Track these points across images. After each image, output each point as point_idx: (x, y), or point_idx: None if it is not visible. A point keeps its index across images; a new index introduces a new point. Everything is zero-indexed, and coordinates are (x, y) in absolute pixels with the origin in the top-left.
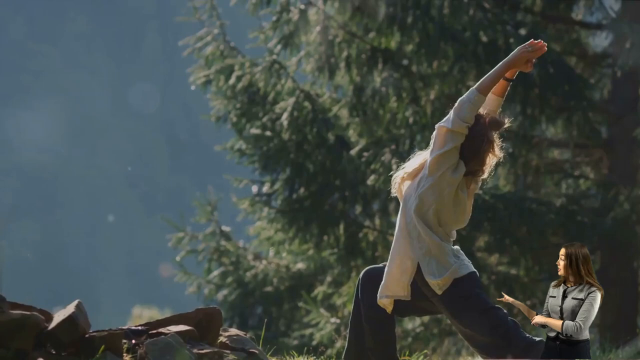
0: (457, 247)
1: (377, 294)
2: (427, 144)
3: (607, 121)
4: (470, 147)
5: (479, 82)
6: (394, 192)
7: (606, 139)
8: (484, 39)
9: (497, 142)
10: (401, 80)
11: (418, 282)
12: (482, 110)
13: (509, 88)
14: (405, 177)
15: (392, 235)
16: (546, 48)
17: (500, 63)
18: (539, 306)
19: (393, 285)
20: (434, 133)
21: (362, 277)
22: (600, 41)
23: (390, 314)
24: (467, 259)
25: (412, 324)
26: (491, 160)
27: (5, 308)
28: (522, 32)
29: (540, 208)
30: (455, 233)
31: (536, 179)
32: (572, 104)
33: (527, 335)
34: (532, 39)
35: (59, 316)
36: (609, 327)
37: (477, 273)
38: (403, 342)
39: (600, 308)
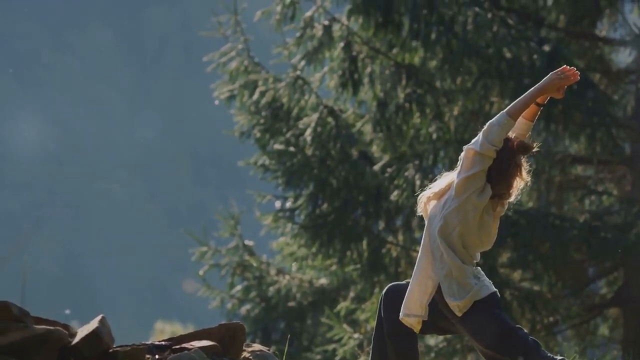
0: (478, 268)
1: (399, 310)
2: (450, 160)
3: (630, 137)
4: (498, 171)
5: (510, 106)
6: (420, 211)
7: (629, 155)
8: (508, 55)
9: (525, 166)
10: (425, 96)
11: (439, 303)
12: (511, 134)
13: (539, 113)
14: (431, 196)
15: (415, 251)
16: (579, 77)
17: (532, 88)
18: (560, 322)
19: (412, 305)
20: (462, 155)
21: (385, 293)
22: (623, 57)
23: (413, 330)
24: (487, 279)
25: (434, 339)
26: (518, 184)
27: (29, 323)
28: (546, 48)
29: (563, 224)
30: (479, 255)
31: (559, 195)
32: (596, 120)
33: (549, 354)
34: (565, 66)
35: (82, 331)
36: (632, 342)
37: (498, 293)
38: (426, 358)
39: (623, 324)
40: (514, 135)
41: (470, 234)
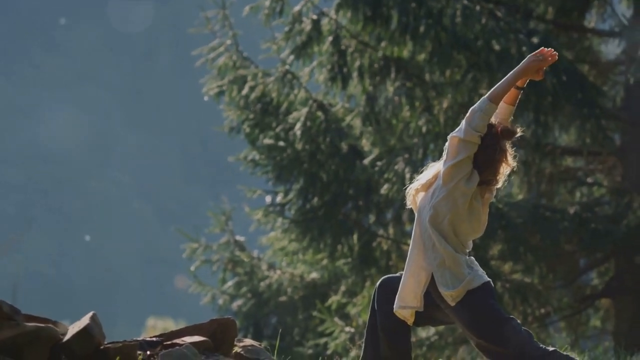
0: (471, 257)
1: (392, 303)
2: (440, 153)
3: (620, 128)
4: (484, 157)
5: (490, 91)
6: (409, 204)
7: (619, 146)
8: (497, 47)
9: (510, 151)
10: (414, 89)
11: (432, 293)
12: (493, 120)
13: (520, 96)
14: (419, 188)
15: (406, 244)
16: (557, 57)
17: (511, 72)
18: (552, 314)
19: (407, 296)
20: (447, 144)
21: (379, 286)
22: (612, 48)
23: (406, 323)
24: (480, 269)
25: (426, 332)
26: (505, 170)
27: (20, 320)
28: (535, 40)
29: (554, 216)
30: (471, 244)
31: (550, 187)
32: (585, 111)
33: (541, 345)
34: (542, 47)
35: (73, 328)
36: (624, 334)
37: (491, 283)
38: (418, 351)
39: (614, 315)
40: (496, 121)
41: (460, 221)
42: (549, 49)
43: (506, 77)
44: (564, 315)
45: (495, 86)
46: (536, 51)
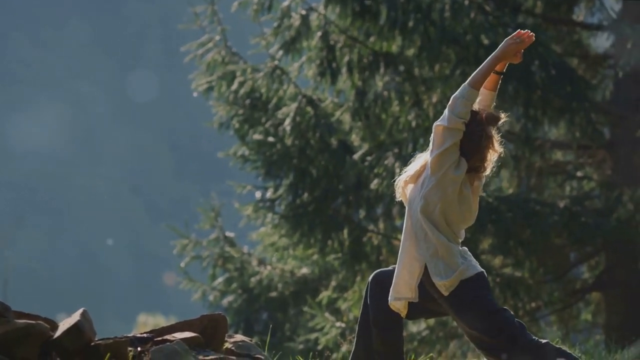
0: (464, 248)
1: (385, 297)
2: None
3: (609, 122)
4: (470, 144)
5: (470, 77)
6: (399, 196)
7: (609, 139)
8: (486, 41)
9: (496, 137)
10: (403, 84)
11: (425, 284)
12: (476, 106)
13: (500, 81)
14: (408, 180)
15: (396, 239)
16: (534, 38)
17: (490, 57)
18: (542, 308)
19: (401, 288)
20: (432, 133)
21: (371, 280)
22: (601, 42)
23: (398, 317)
24: (474, 259)
25: (417, 327)
26: (492, 156)
27: (10, 317)
28: None
29: (544, 210)
30: (463, 233)
31: (539, 181)
32: (575, 105)
33: (534, 337)
34: (519, 30)
35: (64, 324)
36: (615, 327)
37: (485, 273)
38: (409, 346)
39: (605, 309)
40: (479, 107)
41: (451, 209)
42: (526, 30)
43: (485, 62)
44: (555, 309)
45: (475, 72)
46: (513, 34)
